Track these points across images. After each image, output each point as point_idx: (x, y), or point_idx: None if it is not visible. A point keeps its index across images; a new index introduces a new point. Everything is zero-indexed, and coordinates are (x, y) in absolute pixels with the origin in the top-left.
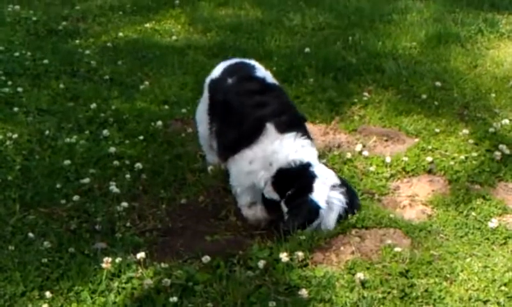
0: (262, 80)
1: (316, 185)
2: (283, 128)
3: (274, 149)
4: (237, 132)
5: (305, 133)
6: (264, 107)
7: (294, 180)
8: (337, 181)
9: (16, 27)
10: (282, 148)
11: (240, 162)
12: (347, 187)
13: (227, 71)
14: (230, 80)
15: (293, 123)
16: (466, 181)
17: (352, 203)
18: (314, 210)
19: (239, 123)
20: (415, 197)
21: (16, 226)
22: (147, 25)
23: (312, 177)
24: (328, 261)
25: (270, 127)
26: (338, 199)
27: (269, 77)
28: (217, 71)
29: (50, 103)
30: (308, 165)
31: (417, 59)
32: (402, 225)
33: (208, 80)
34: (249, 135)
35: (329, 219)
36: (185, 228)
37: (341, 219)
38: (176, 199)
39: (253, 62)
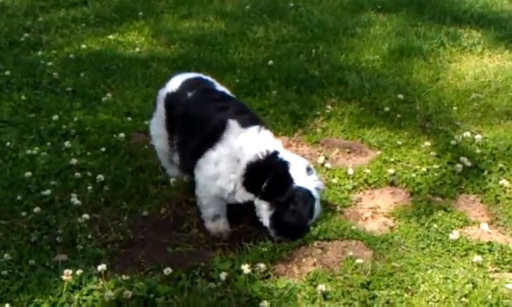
0: (222, 93)
1: (292, 171)
2: (245, 123)
3: (239, 145)
4: (200, 136)
5: (267, 128)
6: (224, 110)
7: (267, 172)
8: (308, 163)
9: None
10: (247, 141)
11: (206, 166)
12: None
13: (186, 86)
14: (190, 94)
15: (254, 119)
16: (427, 193)
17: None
18: (311, 197)
19: (201, 128)
20: (377, 209)
21: None
22: (110, 36)
23: (284, 164)
24: (290, 272)
25: (232, 123)
26: (319, 183)
27: (227, 91)
28: (173, 85)
29: (11, 114)
30: (276, 153)
31: (380, 72)
32: (364, 237)
33: (163, 93)
34: (213, 136)
35: (318, 205)
36: (147, 240)
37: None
38: (138, 211)
39: (209, 78)
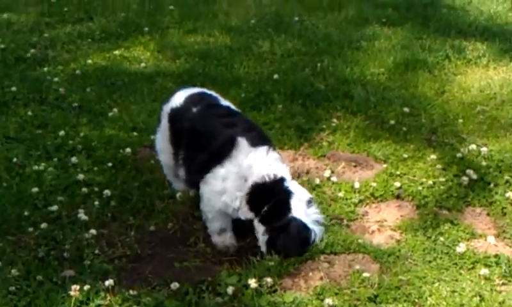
0: (227, 107)
1: (293, 202)
2: (255, 142)
3: (248, 164)
4: (208, 152)
5: (275, 149)
6: (233, 127)
7: (270, 196)
8: (310, 196)
9: None
10: (256, 161)
11: (213, 181)
12: None
13: (190, 101)
14: (194, 109)
15: (263, 138)
16: (434, 206)
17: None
18: (305, 229)
19: (208, 144)
20: (383, 223)
21: None
22: (116, 52)
23: (287, 193)
24: (297, 286)
25: (242, 141)
26: (318, 216)
27: (232, 106)
28: (178, 100)
29: (18, 130)
30: (283, 179)
31: (385, 85)
32: (371, 250)
33: (167, 108)
34: (221, 152)
35: (320, 234)
36: (154, 255)
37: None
38: (145, 226)
39: (213, 92)
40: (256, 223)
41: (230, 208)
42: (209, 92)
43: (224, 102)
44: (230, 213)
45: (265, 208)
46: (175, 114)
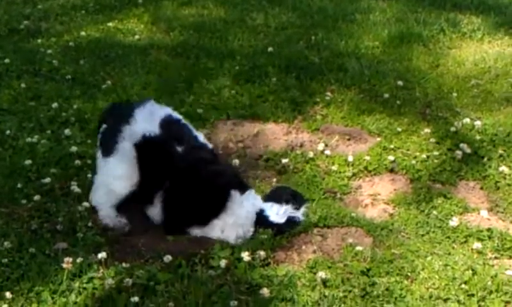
0: (205, 145)
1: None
2: (242, 190)
3: (246, 212)
4: (200, 204)
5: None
6: (222, 176)
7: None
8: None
9: None
10: (247, 207)
11: (211, 232)
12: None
13: (168, 133)
14: (179, 148)
15: (242, 181)
16: (427, 180)
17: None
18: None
19: (199, 195)
20: (376, 196)
21: None
22: (110, 24)
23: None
24: (290, 260)
25: (234, 193)
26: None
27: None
28: (148, 127)
29: (11, 102)
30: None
31: (380, 59)
32: (364, 224)
33: (131, 132)
34: (216, 206)
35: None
36: (147, 228)
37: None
38: None
39: (179, 116)
40: None
41: None
42: (178, 116)
43: (196, 133)
44: None
45: None
46: (149, 145)
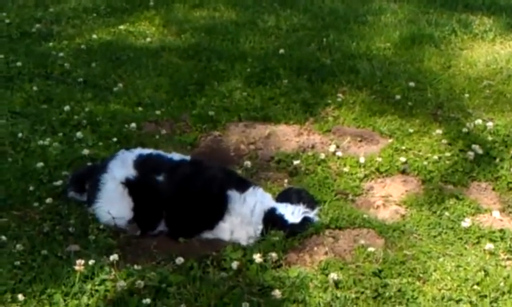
0: (184, 160)
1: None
2: (242, 188)
3: (250, 209)
4: (202, 216)
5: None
6: (213, 181)
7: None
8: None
9: None
10: (251, 203)
11: (221, 234)
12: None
13: (149, 169)
14: (160, 177)
15: (240, 179)
16: (439, 181)
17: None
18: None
19: (197, 209)
20: (388, 198)
21: None
22: (121, 27)
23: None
24: (302, 261)
25: (232, 193)
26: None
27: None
28: (127, 171)
29: (23, 105)
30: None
31: (391, 60)
32: (376, 225)
33: (120, 176)
34: (217, 212)
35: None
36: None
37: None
38: None
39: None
40: None
41: None
42: (149, 151)
43: (171, 155)
44: None
45: None
46: (136, 184)
